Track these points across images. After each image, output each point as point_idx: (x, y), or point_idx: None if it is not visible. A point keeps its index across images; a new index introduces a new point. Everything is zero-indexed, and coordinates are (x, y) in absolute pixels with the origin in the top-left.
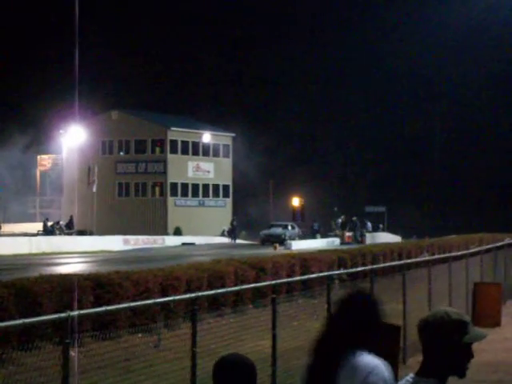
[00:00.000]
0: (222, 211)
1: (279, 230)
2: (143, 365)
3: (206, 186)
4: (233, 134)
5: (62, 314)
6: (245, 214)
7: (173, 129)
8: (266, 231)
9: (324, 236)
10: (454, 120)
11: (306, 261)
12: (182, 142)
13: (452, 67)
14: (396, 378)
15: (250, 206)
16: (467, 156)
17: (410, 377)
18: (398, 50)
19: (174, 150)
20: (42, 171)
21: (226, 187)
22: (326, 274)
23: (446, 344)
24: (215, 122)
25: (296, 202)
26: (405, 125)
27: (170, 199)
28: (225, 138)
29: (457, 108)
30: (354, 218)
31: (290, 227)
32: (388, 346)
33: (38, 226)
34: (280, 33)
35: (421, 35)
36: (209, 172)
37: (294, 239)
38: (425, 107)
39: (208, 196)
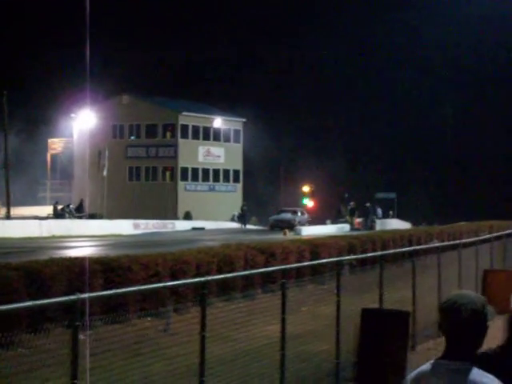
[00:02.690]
0: (232, 196)
1: (289, 216)
2: (152, 348)
3: (216, 171)
4: (244, 120)
5: (72, 297)
6: (255, 199)
7: (184, 113)
8: (275, 216)
9: (334, 222)
10: (465, 107)
11: (315, 246)
12: (193, 126)
13: (464, 55)
14: (405, 364)
15: (261, 192)
16: (479, 143)
17: (434, 362)
18: (413, 38)
19: (184, 135)
20: (53, 154)
21: (236, 172)
22: (335, 259)
23: (486, 327)
24: (226, 107)
25: (306, 189)
26: (416, 111)
27: (181, 184)
28: (236, 123)
29: (469, 95)
30: (368, 204)
31: (299, 213)
32: (397, 332)
33: (48, 210)
34: (291, 19)
35: (433, 25)
36: (219, 157)
37: (303, 225)
38: (436, 92)
39: (218, 181)
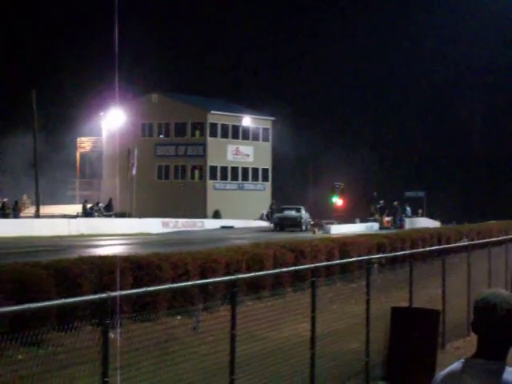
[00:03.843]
0: (261, 195)
1: (293, 213)
2: (182, 347)
3: (245, 170)
4: (273, 118)
5: (102, 295)
6: (284, 197)
7: (213, 112)
8: (279, 214)
9: (363, 220)
10: (494, 104)
11: (345, 245)
12: (222, 125)
13: (492, 52)
14: (435, 362)
15: (290, 190)
16: (507, 141)
17: (466, 360)
18: (440, 33)
19: (213, 134)
20: (82, 153)
21: (265, 171)
22: (365, 258)
23: None
24: (255, 106)
25: (336, 186)
26: (445, 109)
27: (210, 182)
28: (265, 122)
29: (498, 92)
30: (396, 203)
31: (303, 210)
32: (427, 330)
33: (78, 208)
34: (320, 17)
35: (462, 19)
36: (248, 156)
37: (307, 224)
38: (465, 91)
39: (247, 180)
